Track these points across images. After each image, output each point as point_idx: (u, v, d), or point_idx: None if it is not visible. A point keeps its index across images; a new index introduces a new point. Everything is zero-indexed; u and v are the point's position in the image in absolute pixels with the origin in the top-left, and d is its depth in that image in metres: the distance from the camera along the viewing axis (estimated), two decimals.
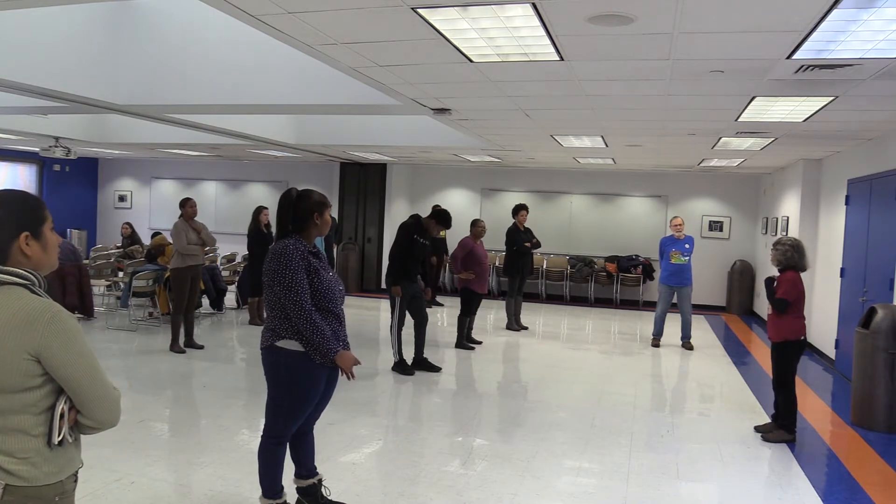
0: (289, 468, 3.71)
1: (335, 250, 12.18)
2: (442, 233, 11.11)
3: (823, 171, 9.50)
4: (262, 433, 3.52)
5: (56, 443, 1.78)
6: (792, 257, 5.38)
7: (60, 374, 1.76)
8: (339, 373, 3.47)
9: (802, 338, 5.40)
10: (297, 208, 3.39)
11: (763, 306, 5.72)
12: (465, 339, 8.69)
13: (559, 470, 4.67)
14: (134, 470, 4.29)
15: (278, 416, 3.44)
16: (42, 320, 1.74)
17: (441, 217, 7.40)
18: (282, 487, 3.58)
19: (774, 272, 5.68)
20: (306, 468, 3.70)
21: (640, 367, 8.18)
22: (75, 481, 1.90)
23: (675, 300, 9.18)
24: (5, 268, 1.79)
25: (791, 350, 5.35)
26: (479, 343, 8.83)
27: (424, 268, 7.70)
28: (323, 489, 3.75)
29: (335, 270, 6.05)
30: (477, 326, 9.16)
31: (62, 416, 1.78)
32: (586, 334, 10.62)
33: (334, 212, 13.05)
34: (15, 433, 1.75)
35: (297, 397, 3.38)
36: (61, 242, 2.02)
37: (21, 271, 1.80)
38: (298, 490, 3.69)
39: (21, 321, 1.73)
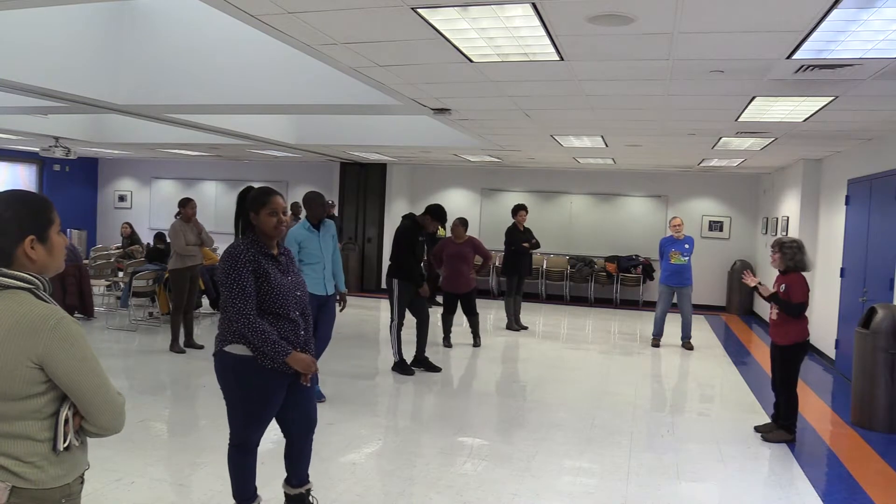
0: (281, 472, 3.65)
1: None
2: (441, 231, 11.11)
3: (823, 171, 9.50)
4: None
5: (62, 449, 1.76)
6: (799, 259, 5.34)
7: (64, 381, 1.74)
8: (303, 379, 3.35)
9: (808, 337, 5.39)
10: (242, 207, 3.32)
11: (763, 307, 5.68)
12: (444, 338, 8.72)
13: (559, 470, 4.67)
14: (134, 470, 4.29)
15: (236, 421, 3.34)
16: (45, 327, 1.71)
17: (436, 213, 7.36)
18: (254, 492, 3.48)
19: (771, 275, 5.63)
20: (297, 477, 3.59)
21: (640, 367, 8.18)
22: (81, 483, 1.88)
23: (675, 300, 9.18)
24: (9, 272, 1.76)
25: (800, 351, 5.34)
26: (450, 346, 8.63)
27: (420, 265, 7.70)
28: (311, 499, 3.64)
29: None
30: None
31: (66, 421, 1.77)
32: (586, 334, 10.62)
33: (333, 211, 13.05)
34: (20, 438, 1.73)
35: (249, 403, 3.27)
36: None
37: (25, 275, 1.77)
38: (286, 497, 3.61)
39: (24, 328, 1.71)
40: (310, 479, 3.65)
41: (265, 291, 3.20)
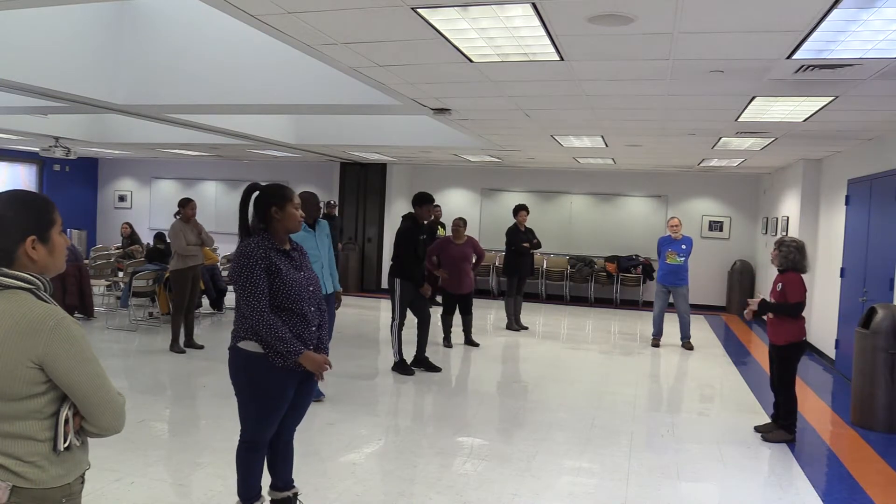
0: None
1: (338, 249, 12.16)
2: (441, 231, 11.12)
3: (823, 171, 9.49)
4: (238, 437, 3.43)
5: (62, 449, 1.76)
6: (795, 259, 5.36)
7: (64, 382, 1.74)
8: (314, 379, 3.37)
9: (804, 337, 5.40)
10: (257, 203, 3.30)
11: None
12: (445, 339, 8.71)
13: (559, 470, 4.67)
14: (134, 470, 4.29)
15: (247, 419, 3.35)
16: (45, 328, 1.71)
17: (421, 199, 7.23)
18: (258, 492, 3.48)
19: (771, 273, 5.64)
20: (282, 480, 3.56)
21: (640, 367, 8.18)
22: (82, 483, 1.88)
23: (672, 300, 9.18)
24: (10, 272, 1.76)
25: (796, 351, 5.35)
26: (450, 347, 8.65)
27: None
28: (299, 503, 3.63)
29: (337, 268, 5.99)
30: (477, 326, 9.14)
31: (67, 421, 1.76)
32: (586, 334, 10.62)
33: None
34: (21, 438, 1.73)
35: (260, 400, 3.28)
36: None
37: (26, 275, 1.77)
38: (272, 503, 3.58)
39: (24, 329, 1.70)
40: (294, 483, 3.62)
41: (277, 287, 3.19)
